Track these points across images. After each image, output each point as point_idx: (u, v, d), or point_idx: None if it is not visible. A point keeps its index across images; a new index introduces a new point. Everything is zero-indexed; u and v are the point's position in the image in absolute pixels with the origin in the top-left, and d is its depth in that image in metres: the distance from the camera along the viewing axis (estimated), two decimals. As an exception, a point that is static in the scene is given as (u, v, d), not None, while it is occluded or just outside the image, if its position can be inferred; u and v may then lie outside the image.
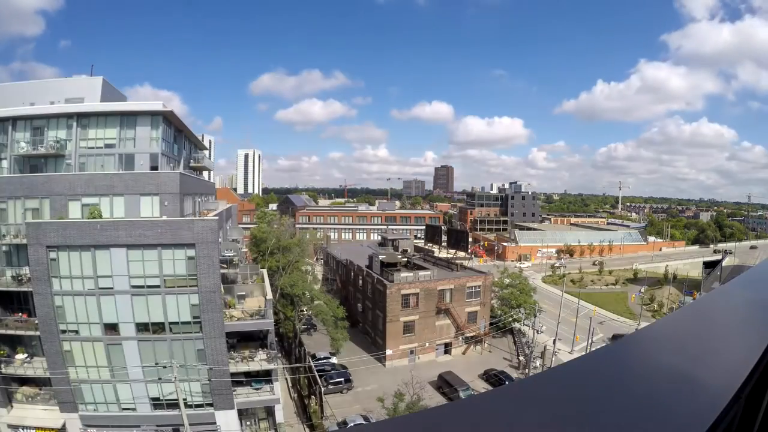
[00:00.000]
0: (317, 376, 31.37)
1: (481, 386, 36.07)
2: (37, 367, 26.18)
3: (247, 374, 27.91)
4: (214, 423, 26.44)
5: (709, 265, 68.11)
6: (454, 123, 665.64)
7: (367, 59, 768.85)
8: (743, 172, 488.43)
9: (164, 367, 24.66)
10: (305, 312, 43.93)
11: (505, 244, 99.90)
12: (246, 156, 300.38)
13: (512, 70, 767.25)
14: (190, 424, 24.50)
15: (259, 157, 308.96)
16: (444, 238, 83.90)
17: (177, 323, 25.86)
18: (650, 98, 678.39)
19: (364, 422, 26.83)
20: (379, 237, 74.75)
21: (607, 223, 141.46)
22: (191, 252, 25.22)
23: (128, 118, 29.25)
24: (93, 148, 29.12)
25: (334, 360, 38.53)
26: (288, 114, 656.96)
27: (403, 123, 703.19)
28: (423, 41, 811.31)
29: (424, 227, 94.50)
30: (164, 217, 26.25)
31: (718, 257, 73.36)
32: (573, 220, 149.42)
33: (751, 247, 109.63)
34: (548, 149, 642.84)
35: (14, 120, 28.67)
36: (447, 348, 43.18)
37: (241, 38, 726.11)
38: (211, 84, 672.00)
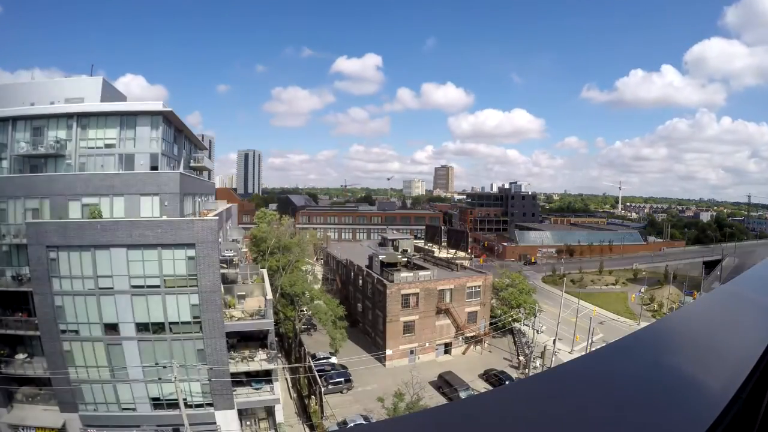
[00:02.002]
0: (317, 376, 31.36)
1: (481, 386, 36.06)
2: (37, 367, 26.18)
3: (247, 374, 27.90)
4: (214, 423, 26.43)
5: (709, 265, 68.19)
6: (457, 117, 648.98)
7: (369, 41, 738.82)
8: (760, 171, 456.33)
9: (164, 367, 24.63)
10: (305, 312, 43.91)
11: (505, 244, 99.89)
12: (246, 156, 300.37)
13: (529, 53, 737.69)
14: (190, 424, 24.48)
15: (259, 157, 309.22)
16: (444, 238, 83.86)
17: (177, 323, 25.84)
18: (679, 88, 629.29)
19: (364, 422, 26.83)
20: (379, 237, 74.72)
21: (607, 223, 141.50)
22: (191, 252, 25.22)
23: (128, 118, 29.23)
24: (93, 148, 29.09)
25: (334, 360, 38.51)
26: (279, 109, 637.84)
27: (406, 117, 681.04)
28: (433, 21, 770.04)
29: (424, 227, 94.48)
30: (164, 217, 26.23)
31: (716, 257, 73.38)
32: (573, 220, 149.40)
33: None
34: (559, 146, 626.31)
35: (14, 120, 28.65)
36: (447, 348, 43.16)
37: (221, 21, 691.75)
38: (186, 72, 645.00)
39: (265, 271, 34.65)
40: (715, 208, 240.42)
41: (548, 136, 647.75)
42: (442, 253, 63.10)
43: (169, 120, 31.15)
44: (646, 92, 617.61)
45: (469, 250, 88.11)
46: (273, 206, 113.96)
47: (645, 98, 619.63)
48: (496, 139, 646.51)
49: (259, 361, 27.97)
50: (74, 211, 26.43)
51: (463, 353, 43.42)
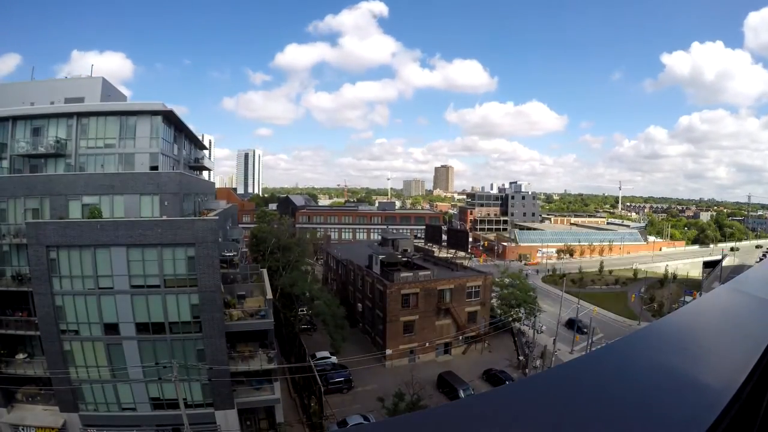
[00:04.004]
0: (317, 376, 31.36)
1: (481, 386, 36.06)
2: (37, 367, 26.19)
3: (247, 374, 27.90)
4: (214, 423, 26.44)
5: (709, 265, 68.11)
6: (459, 111, 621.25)
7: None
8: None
9: (164, 367, 24.65)
10: (305, 312, 43.92)
11: (505, 243, 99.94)
12: (246, 156, 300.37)
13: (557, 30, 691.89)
14: (190, 424, 24.48)
15: (259, 156, 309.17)
16: (444, 238, 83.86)
17: (177, 323, 25.84)
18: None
19: (364, 422, 26.83)
20: (379, 237, 74.68)
21: (607, 223, 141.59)
22: (191, 252, 25.21)
23: (128, 118, 29.25)
24: (93, 147, 29.12)
25: (334, 360, 38.50)
26: (273, 101, 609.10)
27: (407, 108, 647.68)
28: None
29: (424, 227, 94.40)
30: (164, 217, 26.24)
31: (716, 257, 73.36)
32: (573, 219, 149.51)
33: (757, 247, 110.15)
34: (570, 144, 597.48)
35: (14, 120, 28.66)
36: (447, 348, 43.14)
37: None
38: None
39: (265, 271, 34.64)
40: (716, 207, 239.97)
41: (564, 132, 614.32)
42: (442, 253, 63.08)
43: (169, 119, 31.16)
44: (691, 76, 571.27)
45: (470, 250, 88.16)
46: (273, 206, 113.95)
47: (688, 81, 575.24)
48: (506, 134, 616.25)
49: (259, 360, 27.97)
50: (74, 211, 26.44)
51: (463, 353, 43.41)
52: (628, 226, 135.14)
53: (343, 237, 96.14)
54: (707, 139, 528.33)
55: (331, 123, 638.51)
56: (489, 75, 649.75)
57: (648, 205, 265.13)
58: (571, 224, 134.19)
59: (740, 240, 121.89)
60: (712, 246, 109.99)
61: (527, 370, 39.42)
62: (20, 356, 26.98)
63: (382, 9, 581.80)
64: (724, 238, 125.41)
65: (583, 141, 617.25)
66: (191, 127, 35.82)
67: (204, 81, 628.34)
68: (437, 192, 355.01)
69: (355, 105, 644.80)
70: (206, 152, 48.98)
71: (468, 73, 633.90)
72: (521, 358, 41.85)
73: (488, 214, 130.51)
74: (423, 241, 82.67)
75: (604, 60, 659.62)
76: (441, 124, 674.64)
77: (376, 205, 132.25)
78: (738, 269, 59.90)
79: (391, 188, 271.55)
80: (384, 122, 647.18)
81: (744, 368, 1.14)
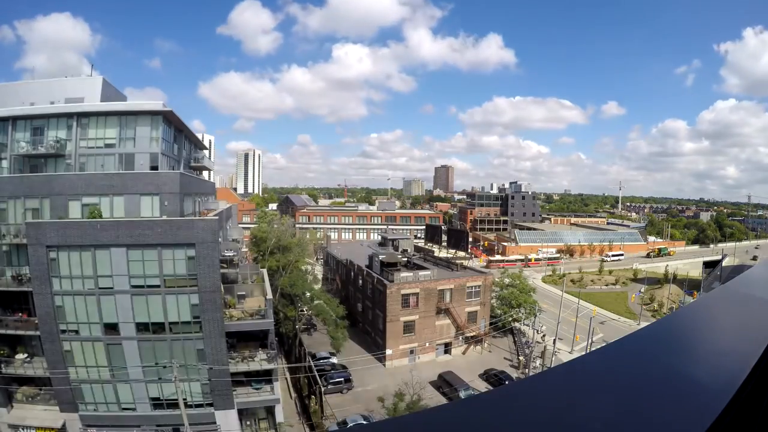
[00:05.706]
0: (317, 376, 31.37)
1: (481, 386, 36.06)
2: (37, 367, 26.20)
3: (247, 374, 27.91)
4: (214, 423, 26.45)
5: (709, 265, 68.06)
6: (465, 110, 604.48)
7: None
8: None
9: (164, 367, 24.66)
10: (305, 312, 43.91)
11: (505, 243, 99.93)
12: (246, 155, 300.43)
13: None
14: (190, 424, 24.50)
15: (259, 156, 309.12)
16: (444, 237, 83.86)
17: (177, 323, 25.86)
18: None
19: (364, 422, 26.82)
20: (379, 237, 74.71)
21: (607, 223, 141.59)
22: (191, 252, 25.22)
23: (128, 118, 29.23)
24: (93, 147, 29.10)
25: (334, 360, 38.51)
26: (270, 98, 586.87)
27: (408, 102, 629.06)
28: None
29: (424, 227, 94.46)
30: (164, 217, 26.24)
31: (716, 257, 73.37)
32: (573, 220, 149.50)
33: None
34: (582, 141, 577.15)
35: (14, 120, 28.66)
36: (447, 348, 43.16)
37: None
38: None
39: (265, 271, 34.64)
40: (715, 207, 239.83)
41: (576, 128, 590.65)
42: (442, 253, 63.13)
43: (168, 119, 31.15)
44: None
45: (469, 250, 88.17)
46: (273, 206, 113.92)
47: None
48: (512, 127, 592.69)
49: (259, 361, 27.98)
50: (74, 211, 26.44)
51: (463, 353, 43.42)
52: (628, 226, 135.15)
53: (343, 237, 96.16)
54: (730, 134, 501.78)
55: (328, 115, 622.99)
56: (506, 58, 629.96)
57: (648, 205, 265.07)
58: (571, 224, 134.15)
59: (740, 240, 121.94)
60: (712, 246, 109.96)
61: (527, 370, 39.42)
62: (20, 356, 26.98)
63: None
64: (724, 238, 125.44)
65: (595, 137, 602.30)
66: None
67: (183, 69, 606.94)
68: (437, 192, 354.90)
69: (352, 88, 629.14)
70: (206, 152, 48.95)
71: (479, 54, 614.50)
72: (521, 358, 41.86)
73: (488, 214, 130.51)
74: (423, 241, 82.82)
75: (633, 48, 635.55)
76: (443, 122, 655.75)
77: (376, 205, 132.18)
78: (738, 269, 59.82)
79: (391, 188, 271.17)
80: (382, 114, 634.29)
81: (744, 368, 1.14)
